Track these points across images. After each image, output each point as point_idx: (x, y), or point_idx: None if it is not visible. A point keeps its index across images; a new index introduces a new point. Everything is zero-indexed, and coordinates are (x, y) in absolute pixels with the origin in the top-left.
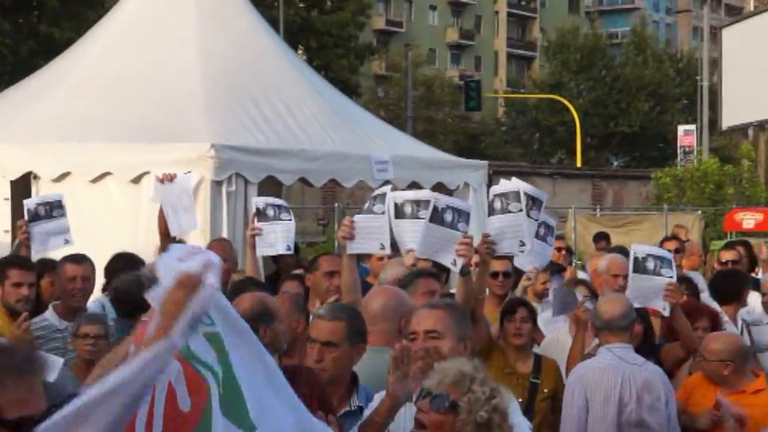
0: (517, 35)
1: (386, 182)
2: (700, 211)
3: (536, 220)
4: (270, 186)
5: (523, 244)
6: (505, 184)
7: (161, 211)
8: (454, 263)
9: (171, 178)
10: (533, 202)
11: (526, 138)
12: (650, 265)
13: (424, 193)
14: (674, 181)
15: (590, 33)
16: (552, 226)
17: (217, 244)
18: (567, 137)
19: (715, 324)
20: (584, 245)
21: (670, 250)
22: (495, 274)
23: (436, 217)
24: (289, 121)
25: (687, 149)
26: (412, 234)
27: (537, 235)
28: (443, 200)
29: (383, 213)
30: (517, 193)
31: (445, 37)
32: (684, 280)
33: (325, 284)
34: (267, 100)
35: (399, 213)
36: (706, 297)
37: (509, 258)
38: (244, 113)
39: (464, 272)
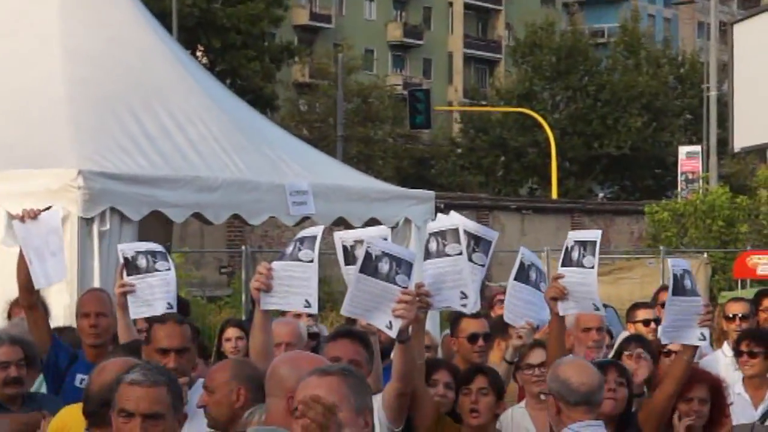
0: (477, 33)
1: (305, 218)
2: (705, 254)
3: (482, 265)
4: (156, 224)
5: (464, 296)
6: (442, 221)
7: (21, 259)
8: (390, 326)
9: (34, 215)
10: (477, 242)
11: (488, 163)
12: (687, 283)
13: (376, 231)
14: (674, 217)
15: (569, 30)
16: (542, 272)
17: (91, 297)
18: (540, 161)
19: (717, 395)
20: None
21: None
22: (474, 337)
23: (369, 266)
24: (179, 140)
25: (690, 176)
26: None
27: (528, 281)
28: (378, 245)
29: (311, 261)
30: (456, 232)
31: (386, 35)
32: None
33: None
34: (151, 114)
35: (350, 258)
36: (710, 361)
37: (482, 315)
38: (122, 131)
39: (402, 338)
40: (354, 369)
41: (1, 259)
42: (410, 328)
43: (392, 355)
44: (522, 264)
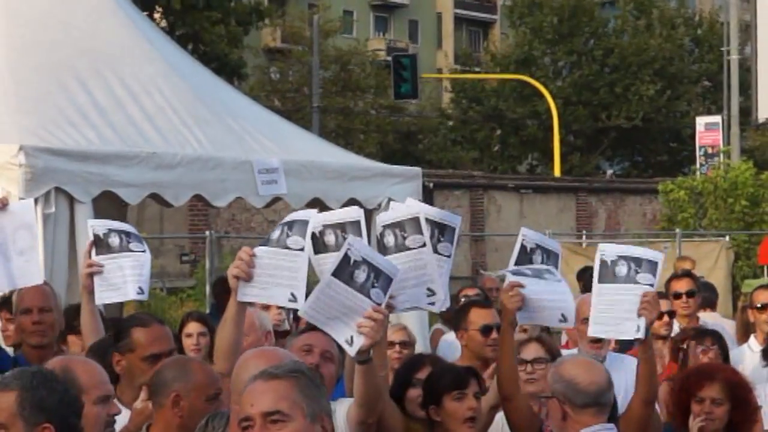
0: None
1: (276, 199)
2: (727, 238)
3: (448, 256)
4: (108, 206)
5: (432, 292)
6: (398, 209)
7: None
8: (350, 342)
9: (2, 204)
10: (441, 231)
11: (483, 136)
12: (622, 270)
13: (348, 213)
14: (691, 196)
15: None
16: (553, 252)
17: (33, 291)
18: (540, 135)
19: (738, 395)
20: None
21: (679, 293)
22: (487, 329)
23: (346, 271)
24: (133, 112)
25: (709, 150)
26: None
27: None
28: (359, 250)
29: (302, 249)
30: (416, 221)
31: None
32: (707, 334)
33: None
34: (102, 82)
35: (318, 245)
36: (735, 356)
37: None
38: (68, 102)
39: (363, 359)
40: (306, 369)
41: None
42: (372, 350)
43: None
44: (524, 248)
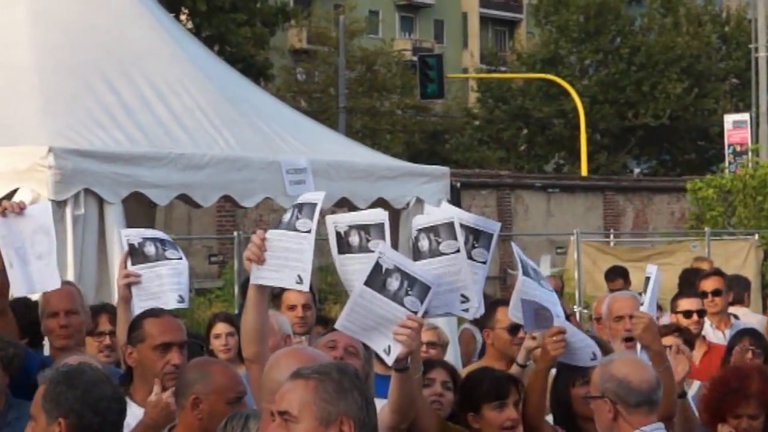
0: None
1: None
2: (756, 236)
3: (483, 262)
4: (137, 208)
5: (466, 299)
6: (433, 214)
7: None
8: (388, 351)
9: (19, 209)
10: (476, 237)
11: (509, 136)
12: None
13: (373, 215)
14: (720, 194)
15: None
16: (536, 268)
17: (59, 293)
18: (567, 134)
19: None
20: (593, 286)
21: (706, 292)
22: (515, 328)
23: (378, 280)
24: (161, 113)
25: (738, 148)
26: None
27: (533, 276)
28: (392, 257)
29: (309, 231)
30: (451, 226)
31: None
32: (746, 334)
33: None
34: (130, 83)
35: (343, 246)
36: None
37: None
38: (97, 103)
39: (400, 367)
40: (336, 370)
41: None
42: (410, 358)
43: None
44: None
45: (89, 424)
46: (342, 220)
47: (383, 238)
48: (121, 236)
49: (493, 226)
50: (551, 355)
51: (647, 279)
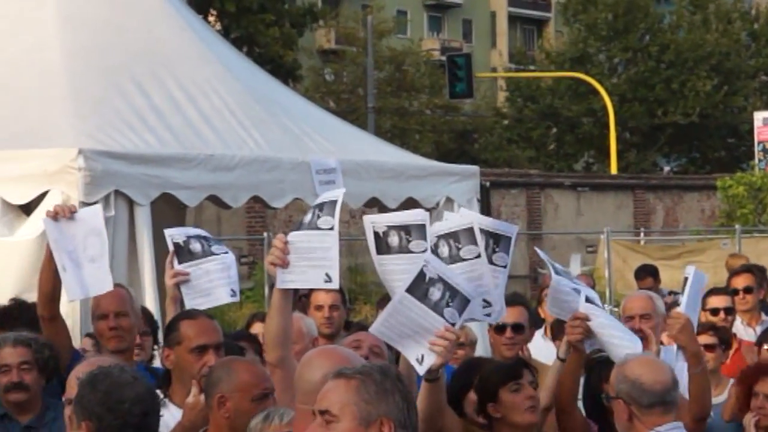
0: None
1: None
2: None
3: (504, 266)
4: (166, 209)
5: (488, 304)
6: (452, 219)
7: (47, 263)
8: (420, 360)
9: (70, 213)
10: (496, 241)
11: (538, 135)
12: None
13: (414, 216)
14: (750, 192)
15: None
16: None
17: (108, 295)
18: (596, 132)
19: None
20: (623, 284)
21: (737, 289)
22: (501, 328)
23: (421, 288)
24: (191, 114)
25: None
26: (402, 276)
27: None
28: (437, 267)
29: (332, 228)
30: (470, 231)
31: None
32: None
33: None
34: (159, 85)
35: (382, 246)
36: None
37: (522, 304)
38: (126, 105)
39: (432, 377)
40: (378, 371)
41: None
42: (441, 370)
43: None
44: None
45: (109, 426)
46: (380, 220)
47: (424, 238)
48: (165, 237)
49: (512, 230)
50: (569, 339)
51: (685, 279)
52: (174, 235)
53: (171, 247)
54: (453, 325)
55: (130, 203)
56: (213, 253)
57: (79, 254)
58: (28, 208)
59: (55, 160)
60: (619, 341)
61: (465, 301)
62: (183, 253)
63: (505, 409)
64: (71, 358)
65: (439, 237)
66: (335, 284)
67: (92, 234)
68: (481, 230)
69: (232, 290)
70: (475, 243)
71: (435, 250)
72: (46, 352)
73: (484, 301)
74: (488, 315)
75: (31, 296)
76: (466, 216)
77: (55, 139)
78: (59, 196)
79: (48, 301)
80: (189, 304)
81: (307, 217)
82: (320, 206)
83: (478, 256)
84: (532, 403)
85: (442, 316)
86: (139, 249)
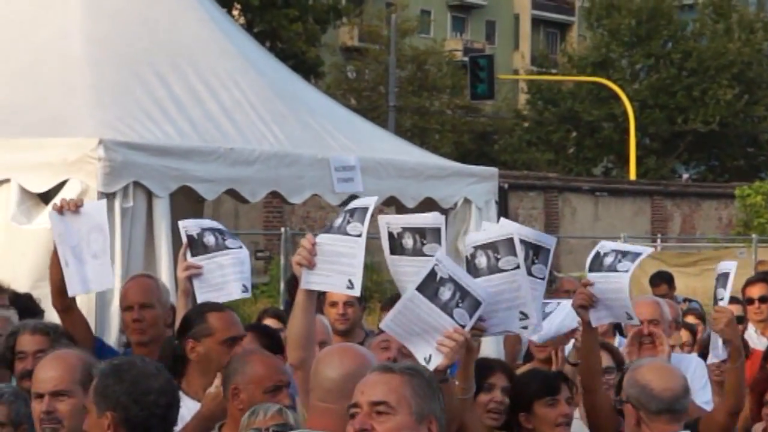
0: None
1: (352, 197)
2: None
3: (542, 278)
4: (185, 202)
5: (525, 316)
6: (491, 230)
7: (55, 256)
8: (428, 359)
9: (75, 207)
10: (536, 252)
11: (558, 138)
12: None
13: (429, 219)
14: None
15: None
16: (628, 252)
17: (134, 286)
18: (616, 138)
19: None
20: (638, 290)
21: (752, 299)
22: None
23: (431, 287)
24: (212, 107)
25: None
26: (414, 278)
27: (602, 268)
28: (448, 267)
29: (359, 235)
30: (510, 242)
31: None
32: None
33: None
34: (180, 76)
35: (396, 247)
36: None
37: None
38: (147, 96)
39: (440, 379)
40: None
41: (11, 237)
42: (448, 371)
43: None
44: (597, 253)
45: (135, 417)
46: (395, 221)
47: (439, 242)
48: (179, 228)
49: (551, 241)
50: (574, 307)
51: (726, 275)
52: (188, 227)
53: (184, 239)
54: (462, 326)
55: (149, 195)
56: (227, 247)
57: (82, 249)
58: (46, 197)
59: (75, 149)
60: (615, 301)
61: (476, 303)
62: (196, 245)
63: (537, 421)
64: (93, 347)
65: (477, 247)
66: (357, 291)
67: (96, 230)
68: (522, 241)
69: (244, 286)
70: (514, 254)
71: (473, 261)
72: (63, 341)
73: (521, 313)
74: (524, 328)
75: (47, 285)
76: (506, 226)
77: (75, 129)
78: (78, 186)
79: (58, 294)
80: (200, 297)
81: (338, 221)
82: (351, 212)
83: (517, 267)
84: (565, 420)
85: (452, 316)
86: (157, 241)
